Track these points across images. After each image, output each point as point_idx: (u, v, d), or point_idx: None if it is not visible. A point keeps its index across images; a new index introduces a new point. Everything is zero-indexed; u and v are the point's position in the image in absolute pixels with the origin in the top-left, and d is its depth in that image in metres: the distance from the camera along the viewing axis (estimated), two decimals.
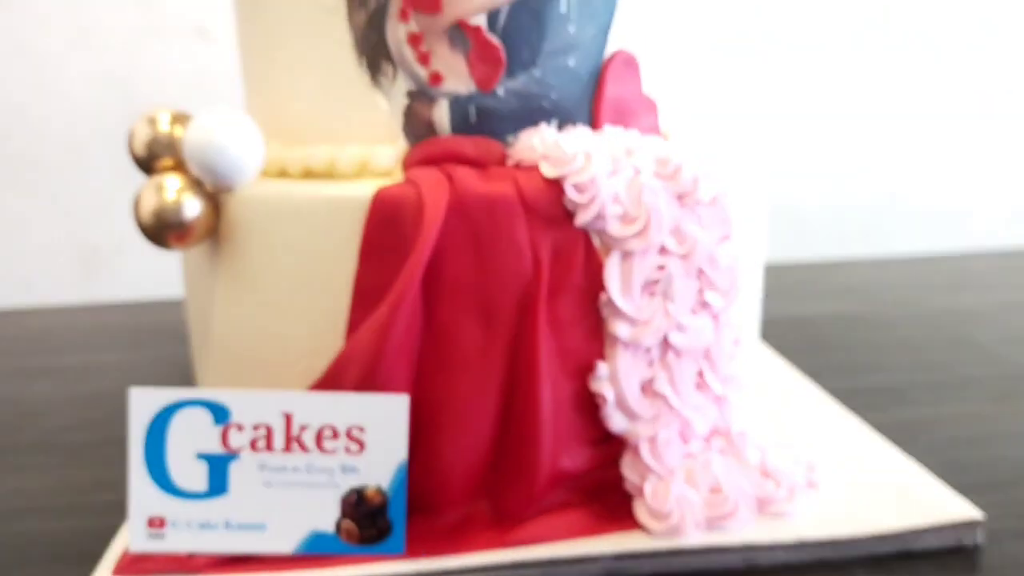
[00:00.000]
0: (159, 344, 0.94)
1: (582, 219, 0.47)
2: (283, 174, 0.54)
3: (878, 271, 1.16)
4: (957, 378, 0.75)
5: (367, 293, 0.48)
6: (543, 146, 0.49)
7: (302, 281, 0.50)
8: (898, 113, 1.24)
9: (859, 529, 0.48)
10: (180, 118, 0.53)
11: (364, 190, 0.48)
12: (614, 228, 0.47)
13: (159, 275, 1.12)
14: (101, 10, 1.07)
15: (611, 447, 0.51)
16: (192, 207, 0.50)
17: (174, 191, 0.50)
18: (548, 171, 0.47)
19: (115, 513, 0.56)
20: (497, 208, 0.47)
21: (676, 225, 0.49)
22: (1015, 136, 1.28)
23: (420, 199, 0.46)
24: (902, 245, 1.26)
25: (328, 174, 0.53)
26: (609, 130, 0.52)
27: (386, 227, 0.47)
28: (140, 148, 0.52)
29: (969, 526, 0.49)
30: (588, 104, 0.53)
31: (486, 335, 0.48)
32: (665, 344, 0.50)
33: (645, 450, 0.49)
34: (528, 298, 0.48)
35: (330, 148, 0.53)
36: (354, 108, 0.53)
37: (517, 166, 0.50)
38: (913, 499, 0.51)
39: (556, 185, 0.47)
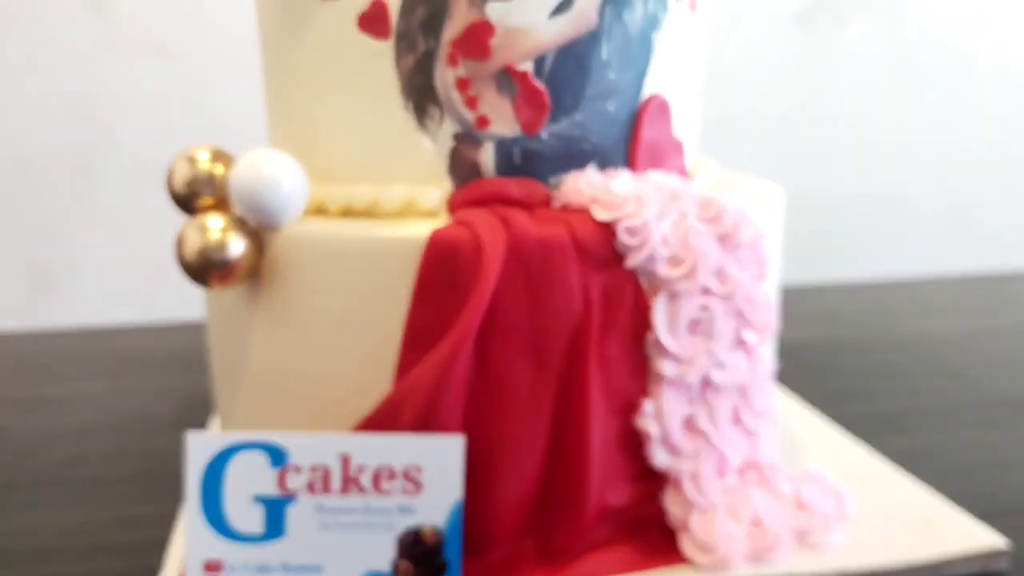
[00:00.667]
0: (142, 373, 0.93)
1: (634, 261, 0.48)
2: (320, 212, 0.54)
3: (847, 296, 1.19)
4: (945, 405, 0.78)
5: (420, 334, 0.48)
6: (591, 189, 0.50)
7: (348, 321, 0.50)
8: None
9: (894, 560, 0.50)
10: (220, 156, 0.53)
11: (416, 231, 0.49)
12: (662, 270, 0.49)
13: (113, 297, 1.11)
14: (58, 26, 1.05)
15: (651, 482, 0.52)
16: (236, 246, 0.50)
17: (218, 230, 0.50)
18: (600, 214, 0.49)
19: (142, 554, 0.55)
20: (551, 251, 0.48)
21: (719, 266, 0.50)
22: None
23: (477, 241, 0.47)
24: (867, 270, 1.30)
25: (370, 213, 0.53)
26: (652, 174, 0.53)
27: (442, 268, 0.48)
28: (180, 186, 0.52)
29: (994, 555, 0.51)
30: (624, 146, 0.54)
31: (537, 375, 0.49)
32: (705, 381, 0.51)
33: (688, 485, 0.51)
34: (579, 338, 0.49)
35: (373, 187, 0.53)
36: (395, 148, 0.53)
37: (564, 208, 0.51)
38: (938, 528, 0.53)
39: (607, 228, 0.49)
